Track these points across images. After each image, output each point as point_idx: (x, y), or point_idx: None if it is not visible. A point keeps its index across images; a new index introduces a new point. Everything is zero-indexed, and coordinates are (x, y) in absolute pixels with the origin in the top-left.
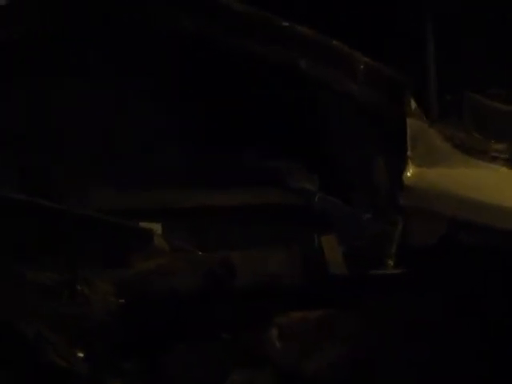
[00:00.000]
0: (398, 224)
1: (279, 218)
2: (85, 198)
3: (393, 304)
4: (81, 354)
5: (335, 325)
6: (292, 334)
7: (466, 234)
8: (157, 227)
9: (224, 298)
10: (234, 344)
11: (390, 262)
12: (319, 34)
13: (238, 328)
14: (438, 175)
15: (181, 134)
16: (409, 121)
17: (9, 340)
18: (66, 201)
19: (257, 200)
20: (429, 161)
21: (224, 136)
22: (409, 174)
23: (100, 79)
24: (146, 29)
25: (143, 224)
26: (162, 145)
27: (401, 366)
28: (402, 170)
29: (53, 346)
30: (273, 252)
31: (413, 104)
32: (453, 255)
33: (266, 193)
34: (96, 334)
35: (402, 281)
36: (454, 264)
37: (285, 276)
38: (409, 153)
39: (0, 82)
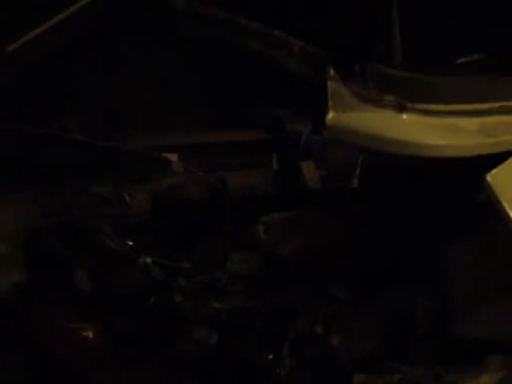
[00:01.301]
0: None
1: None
2: (125, 138)
3: (348, 208)
4: (129, 242)
5: (305, 221)
6: (274, 228)
7: (371, 158)
8: (174, 157)
9: (223, 204)
10: (233, 235)
11: (356, 181)
12: (268, 27)
13: (235, 225)
14: (348, 117)
15: (198, 91)
16: (328, 83)
17: (80, 232)
18: (111, 140)
19: (255, 138)
20: (342, 108)
21: (235, 93)
22: (329, 117)
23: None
24: None
25: (164, 155)
26: (182, 98)
27: (350, 251)
28: (324, 114)
29: (108, 236)
30: (254, 172)
31: (331, 71)
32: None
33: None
34: (137, 228)
35: (358, 193)
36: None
37: (264, 189)
38: (329, 103)
39: None
